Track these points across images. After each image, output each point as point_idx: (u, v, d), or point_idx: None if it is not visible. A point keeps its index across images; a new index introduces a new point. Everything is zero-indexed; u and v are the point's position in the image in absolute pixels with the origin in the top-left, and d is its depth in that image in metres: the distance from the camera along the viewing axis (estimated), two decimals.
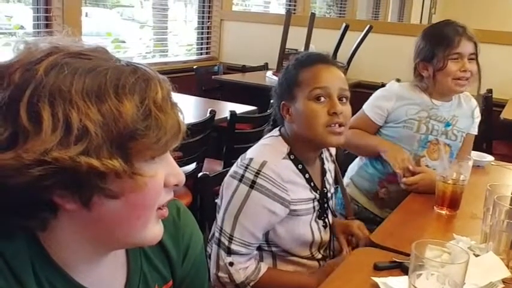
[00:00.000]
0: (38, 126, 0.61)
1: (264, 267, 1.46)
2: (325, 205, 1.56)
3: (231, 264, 1.42)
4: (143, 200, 0.69)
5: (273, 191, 1.39)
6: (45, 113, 0.61)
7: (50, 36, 0.69)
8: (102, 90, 0.64)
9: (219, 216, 1.45)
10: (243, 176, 1.39)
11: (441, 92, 1.95)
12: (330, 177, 1.62)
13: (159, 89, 0.68)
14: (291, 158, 1.46)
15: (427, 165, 1.95)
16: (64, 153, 0.61)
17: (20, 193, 0.63)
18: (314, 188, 1.51)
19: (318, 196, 1.52)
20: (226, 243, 1.41)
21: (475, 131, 2.09)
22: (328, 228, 1.58)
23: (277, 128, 1.54)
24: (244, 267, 1.43)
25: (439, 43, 1.89)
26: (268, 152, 1.45)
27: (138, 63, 0.71)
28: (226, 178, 1.46)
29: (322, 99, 1.40)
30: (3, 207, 0.65)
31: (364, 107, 2.04)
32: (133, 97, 0.65)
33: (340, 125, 1.41)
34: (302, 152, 1.48)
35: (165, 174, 0.71)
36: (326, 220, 1.57)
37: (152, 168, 0.68)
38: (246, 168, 1.40)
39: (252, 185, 1.38)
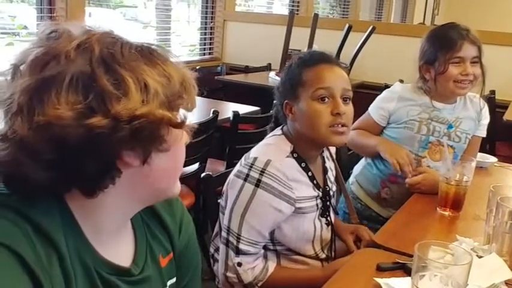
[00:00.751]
0: (124, 89, 0.70)
1: (271, 266, 1.47)
2: (327, 203, 1.57)
3: (240, 264, 1.42)
4: (180, 152, 0.82)
5: (278, 189, 1.39)
6: (128, 78, 0.70)
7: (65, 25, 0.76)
8: (150, 58, 0.75)
9: (225, 216, 1.45)
10: (248, 175, 1.40)
11: (443, 94, 1.95)
12: (331, 175, 1.63)
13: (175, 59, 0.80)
14: (294, 156, 1.47)
15: (428, 166, 1.95)
16: (147, 109, 0.71)
17: (96, 156, 0.70)
18: (317, 186, 1.52)
19: (320, 194, 1.53)
20: (235, 242, 1.41)
21: (481, 133, 2.07)
22: (330, 227, 1.59)
23: (280, 127, 1.54)
24: (252, 267, 1.43)
25: (441, 46, 1.89)
26: (271, 151, 1.45)
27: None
28: (231, 178, 1.46)
29: (326, 99, 1.41)
30: (74, 169, 0.71)
31: (369, 108, 2.06)
32: (167, 62, 0.77)
33: (343, 125, 1.41)
34: (304, 150, 1.48)
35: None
36: (328, 218, 1.58)
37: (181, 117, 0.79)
38: (251, 167, 1.40)
39: (258, 183, 1.38)
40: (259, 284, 1.44)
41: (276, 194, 1.39)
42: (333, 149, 1.69)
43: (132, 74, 0.71)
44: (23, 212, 0.71)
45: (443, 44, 1.88)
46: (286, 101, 1.47)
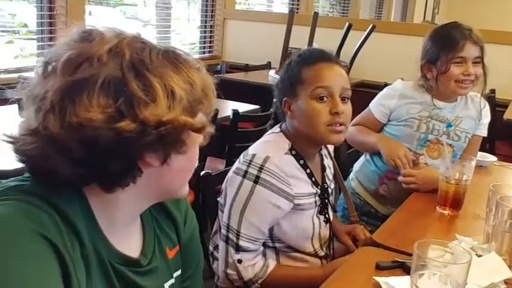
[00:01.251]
0: (153, 95, 0.73)
1: (271, 263, 1.47)
2: (326, 200, 1.57)
3: (240, 261, 1.42)
4: (195, 155, 0.85)
5: (277, 186, 1.39)
6: (156, 84, 0.73)
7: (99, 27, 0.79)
8: (176, 64, 0.77)
9: (224, 213, 1.45)
10: (246, 171, 1.40)
11: (444, 94, 1.95)
12: (329, 173, 1.63)
13: (195, 61, 0.83)
14: (293, 153, 1.47)
15: (425, 163, 1.96)
16: (172, 115, 0.74)
17: (122, 156, 0.73)
18: (315, 183, 1.52)
19: (319, 191, 1.53)
20: (235, 239, 1.42)
21: (482, 132, 2.07)
22: (328, 224, 1.59)
23: (278, 125, 1.54)
24: (252, 264, 1.44)
25: (443, 46, 1.88)
26: (270, 148, 1.46)
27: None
28: (230, 175, 1.46)
29: (325, 98, 1.41)
30: (99, 167, 0.74)
31: (370, 105, 2.06)
32: (191, 68, 0.79)
33: (341, 124, 1.41)
34: (303, 147, 1.49)
35: None
36: (327, 215, 1.58)
37: (201, 120, 0.81)
38: (249, 164, 1.40)
39: (256, 180, 1.38)
40: (259, 281, 1.44)
41: (274, 190, 1.39)
42: (331, 147, 1.69)
43: (160, 80, 0.74)
44: (50, 200, 0.74)
45: (446, 44, 1.88)
46: (285, 99, 1.47)
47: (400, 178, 1.88)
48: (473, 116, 2.02)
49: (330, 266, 1.49)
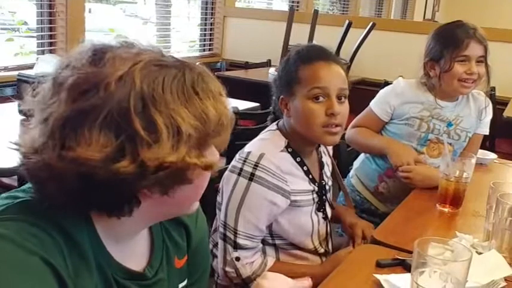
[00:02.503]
0: (156, 135, 0.68)
1: (270, 261, 1.47)
2: (324, 197, 1.57)
3: (238, 259, 1.42)
4: (204, 182, 0.80)
5: (272, 182, 1.39)
6: (160, 123, 0.68)
7: (115, 44, 0.74)
8: (190, 94, 0.72)
9: (222, 212, 1.45)
10: (241, 169, 1.40)
11: (446, 92, 1.95)
12: (327, 170, 1.63)
13: (218, 83, 0.77)
14: (289, 151, 1.47)
15: (425, 163, 1.96)
16: (176, 156, 0.69)
17: (118, 192, 0.70)
18: (312, 181, 1.52)
19: (316, 188, 1.53)
20: (232, 237, 1.42)
21: (483, 131, 2.07)
22: (327, 221, 1.59)
23: (276, 122, 1.55)
24: (250, 262, 1.44)
25: (447, 44, 1.88)
26: (266, 145, 1.46)
27: (182, 59, 0.78)
28: (226, 173, 1.47)
29: (321, 98, 1.40)
30: (94, 198, 0.72)
31: (371, 104, 2.05)
32: (208, 98, 0.73)
33: (336, 126, 1.41)
34: (299, 145, 1.49)
35: None
36: (325, 212, 1.58)
37: (212, 154, 0.77)
38: (244, 161, 1.41)
39: (251, 177, 1.38)
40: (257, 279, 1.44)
41: (270, 187, 1.39)
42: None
43: (166, 118, 0.68)
44: (57, 222, 0.72)
45: (450, 42, 1.88)
46: (282, 97, 1.47)
47: (397, 173, 1.88)
48: (474, 114, 2.02)
49: (329, 264, 1.49)
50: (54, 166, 0.68)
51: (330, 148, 1.69)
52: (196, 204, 0.86)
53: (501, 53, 4.03)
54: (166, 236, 0.92)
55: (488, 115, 2.06)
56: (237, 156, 1.46)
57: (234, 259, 1.43)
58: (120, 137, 0.67)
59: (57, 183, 0.70)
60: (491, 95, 3.76)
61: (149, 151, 0.67)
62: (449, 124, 1.98)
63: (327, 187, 1.61)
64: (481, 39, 1.87)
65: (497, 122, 3.61)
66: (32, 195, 0.74)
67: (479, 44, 1.86)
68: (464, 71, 1.86)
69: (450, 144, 1.98)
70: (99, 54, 0.71)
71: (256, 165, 1.39)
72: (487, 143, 3.62)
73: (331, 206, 1.65)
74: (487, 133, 2.09)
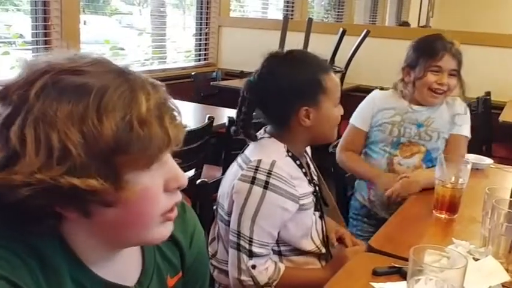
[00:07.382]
0: (23, 149, 0.64)
1: (282, 266, 1.48)
2: (318, 195, 1.59)
3: (254, 267, 1.42)
4: (140, 208, 0.71)
5: (285, 189, 1.41)
6: (29, 137, 0.64)
7: (51, 52, 0.72)
8: (84, 111, 0.65)
9: (233, 221, 1.44)
10: (254, 178, 1.40)
11: (418, 98, 2.04)
12: (313, 169, 1.66)
13: (144, 101, 0.68)
14: (289, 155, 1.49)
15: (399, 163, 2.05)
16: (47, 175, 0.64)
17: (23, 205, 0.66)
18: (310, 182, 1.55)
19: (313, 189, 1.55)
20: (247, 246, 1.42)
21: (462, 131, 2.07)
22: (322, 219, 1.61)
23: (262, 130, 1.56)
24: (265, 268, 1.44)
25: (424, 53, 2.00)
26: (272, 152, 1.46)
27: (132, 72, 0.72)
28: (235, 183, 1.44)
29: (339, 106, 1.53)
30: (13, 216, 0.68)
31: (351, 120, 2.15)
32: (115, 114, 0.66)
33: None
34: (297, 148, 1.52)
35: (164, 179, 0.73)
36: (321, 211, 1.61)
37: (147, 176, 0.70)
38: (256, 170, 1.40)
39: (266, 185, 1.39)
40: (274, 284, 1.45)
41: (283, 194, 1.41)
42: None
43: (38, 134, 0.64)
44: (29, 242, 0.70)
45: (427, 52, 1.99)
46: (305, 108, 1.46)
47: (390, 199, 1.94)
48: (446, 117, 2.07)
49: (331, 266, 1.52)
50: None
51: (309, 150, 1.69)
52: (160, 232, 0.77)
53: (496, 58, 4.06)
54: (159, 253, 0.89)
55: (465, 123, 2.08)
56: (243, 164, 1.46)
57: (250, 267, 1.42)
58: (5, 149, 0.65)
59: None
60: (486, 99, 3.80)
61: (17, 165, 0.64)
62: (419, 125, 2.04)
63: (317, 187, 1.62)
64: (456, 53, 1.98)
65: (492, 126, 3.64)
66: None
67: (453, 57, 1.97)
68: (435, 80, 1.97)
69: (423, 145, 2.04)
70: (24, 63, 0.70)
71: (269, 173, 1.40)
72: (483, 148, 3.63)
73: (325, 204, 1.67)
74: (468, 135, 2.08)
